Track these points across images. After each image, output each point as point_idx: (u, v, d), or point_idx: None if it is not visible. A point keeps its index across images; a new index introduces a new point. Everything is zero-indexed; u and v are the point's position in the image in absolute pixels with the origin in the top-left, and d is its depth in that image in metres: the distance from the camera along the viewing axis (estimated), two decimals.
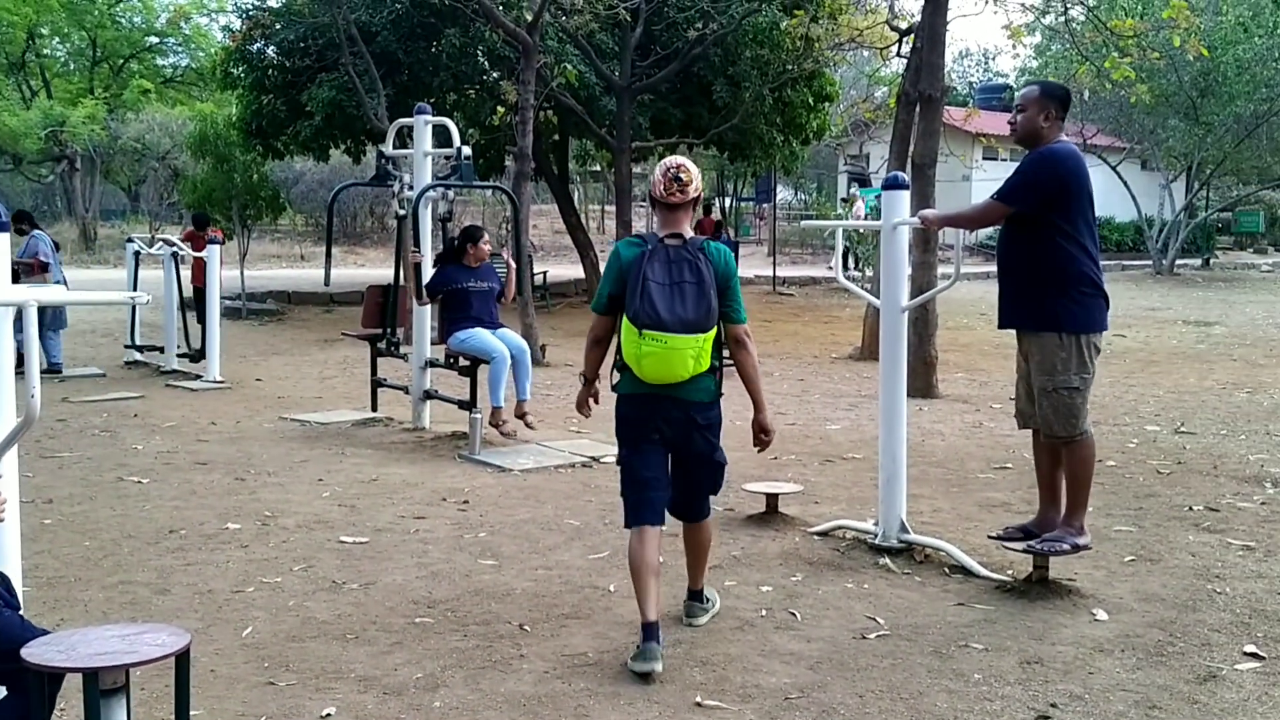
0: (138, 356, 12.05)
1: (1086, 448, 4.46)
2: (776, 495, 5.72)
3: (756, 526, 5.53)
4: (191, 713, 2.85)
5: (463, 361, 7.60)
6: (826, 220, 23.32)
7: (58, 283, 10.44)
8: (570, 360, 12.18)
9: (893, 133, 11.96)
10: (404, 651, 3.92)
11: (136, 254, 12.18)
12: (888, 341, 5.10)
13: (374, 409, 8.79)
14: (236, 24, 19.42)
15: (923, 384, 9.71)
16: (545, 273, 19.42)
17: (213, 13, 35.14)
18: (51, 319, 10.95)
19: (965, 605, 4.40)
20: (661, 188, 3.94)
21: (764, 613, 4.31)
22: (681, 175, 3.93)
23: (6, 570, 3.10)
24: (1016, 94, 4.63)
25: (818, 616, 4.28)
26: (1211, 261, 29.01)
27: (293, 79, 17.05)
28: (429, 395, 8.25)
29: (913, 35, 11.96)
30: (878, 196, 13.66)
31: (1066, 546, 4.44)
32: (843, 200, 27.26)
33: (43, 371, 10.09)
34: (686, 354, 3.77)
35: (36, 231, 11.32)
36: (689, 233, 3.95)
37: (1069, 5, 12.97)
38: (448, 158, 8.20)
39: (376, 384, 8.82)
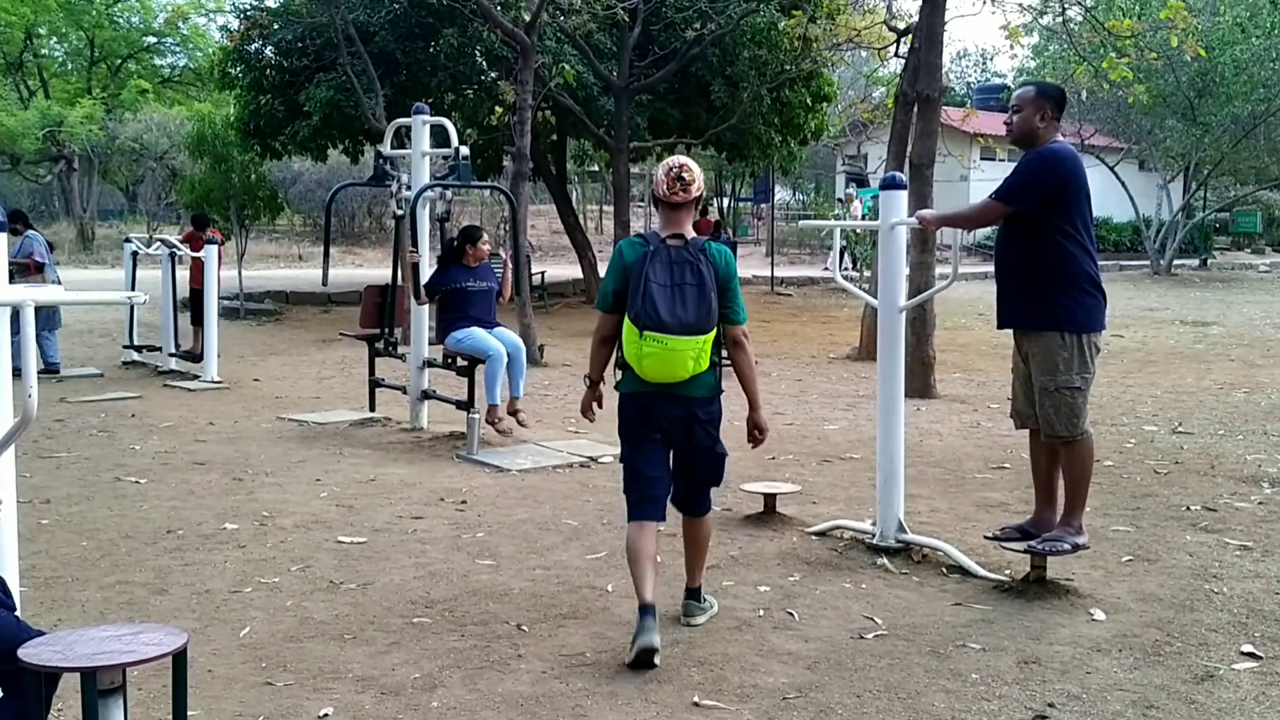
0: (136, 357, 12.04)
1: (1086, 447, 4.46)
2: (774, 495, 5.73)
3: (754, 526, 5.53)
4: (189, 713, 2.85)
5: (460, 361, 7.61)
6: (824, 220, 23.32)
7: (53, 283, 10.42)
8: (568, 360, 12.18)
9: (890, 133, 11.97)
10: (401, 651, 3.91)
11: (134, 254, 12.18)
12: (885, 342, 5.11)
13: (372, 409, 8.78)
14: (234, 24, 19.43)
15: (920, 384, 9.72)
16: (543, 273, 19.42)
17: (210, 13, 35.20)
18: (46, 319, 10.93)
19: (963, 605, 4.40)
20: (664, 187, 3.98)
21: (762, 612, 4.32)
22: (684, 174, 3.97)
23: (3, 571, 3.09)
24: (1012, 94, 4.64)
25: (815, 616, 4.28)
26: (1209, 262, 29.04)
27: (291, 79, 17.05)
28: (427, 395, 8.25)
29: (910, 35, 11.98)
30: (875, 197, 13.69)
31: (1066, 546, 4.45)
32: (839, 200, 27.25)
33: (40, 372, 10.10)
34: (686, 355, 3.82)
35: (31, 232, 11.29)
36: (690, 233, 3.98)
37: (1066, 5, 12.99)
38: (445, 158, 8.21)
39: (374, 384, 8.82)
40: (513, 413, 7.54)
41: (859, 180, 27.35)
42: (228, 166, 17.34)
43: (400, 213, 8.29)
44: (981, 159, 25.10)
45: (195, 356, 11.17)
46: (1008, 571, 4.75)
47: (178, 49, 37.03)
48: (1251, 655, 3.86)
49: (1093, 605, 4.35)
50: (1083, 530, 4.50)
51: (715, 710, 3.45)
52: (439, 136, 8.58)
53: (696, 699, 3.52)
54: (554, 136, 19.14)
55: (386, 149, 8.67)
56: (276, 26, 17.29)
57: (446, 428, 8.06)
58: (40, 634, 2.74)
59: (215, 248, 11.15)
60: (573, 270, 20.90)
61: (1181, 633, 4.07)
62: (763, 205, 32.18)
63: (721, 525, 5.40)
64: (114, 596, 4.49)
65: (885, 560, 4.94)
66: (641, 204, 33.49)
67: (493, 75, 16.67)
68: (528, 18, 12.99)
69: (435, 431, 8.07)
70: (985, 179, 17.24)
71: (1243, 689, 3.58)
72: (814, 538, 5.34)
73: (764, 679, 3.67)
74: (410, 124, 8.43)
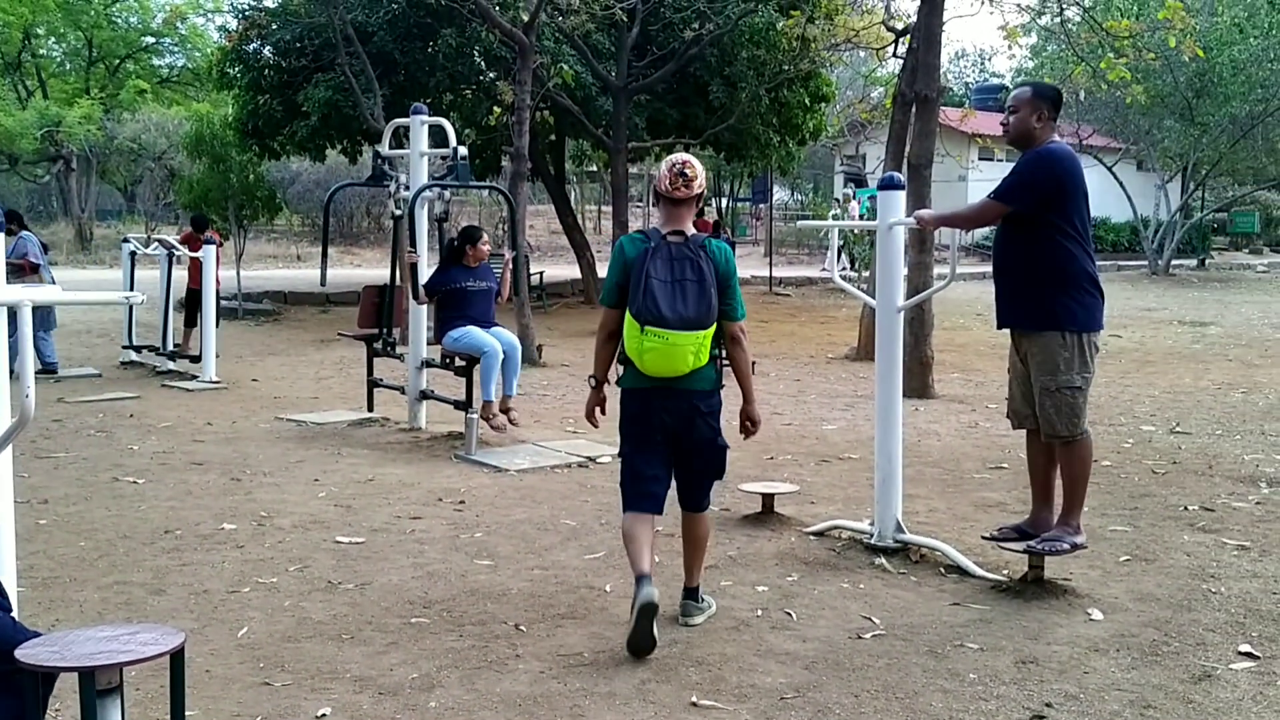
0: (134, 357, 12.04)
1: (1085, 447, 4.47)
2: (772, 495, 5.73)
3: (753, 526, 5.54)
4: (186, 713, 2.85)
5: (458, 361, 7.61)
6: (823, 220, 23.32)
7: (49, 284, 10.41)
8: (566, 361, 12.18)
9: (889, 133, 11.98)
10: (400, 652, 3.91)
11: (132, 254, 12.18)
12: (884, 342, 5.11)
13: (370, 409, 8.78)
14: (233, 24, 19.42)
15: (919, 384, 9.73)
16: (541, 273, 19.40)
17: (209, 13, 35.17)
18: (41, 320, 10.91)
19: (961, 605, 4.41)
20: (666, 183, 4.04)
21: (760, 612, 4.32)
22: (686, 171, 4.03)
23: (1, 571, 3.09)
24: (1009, 95, 4.64)
25: (813, 616, 4.28)
26: (1207, 262, 29.06)
27: (289, 79, 17.05)
28: (425, 395, 8.25)
29: (908, 36, 11.99)
30: (873, 197, 13.69)
31: (1065, 546, 4.45)
32: (836, 200, 27.26)
33: (38, 372, 10.09)
34: (687, 350, 3.89)
35: (24, 233, 11.26)
36: (691, 229, 4.03)
37: (1064, 6, 12.99)
38: (444, 158, 8.20)
39: (372, 384, 8.81)
40: (505, 411, 7.56)
41: (857, 180, 27.36)
42: (226, 166, 17.33)
43: (399, 213, 8.29)
44: (979, 159, 25.11)
45: (191, 357, 11.17)
46: (1005, 571, 4.75)
47: (176, 49, 37.04)
48: (1249, 655, 3.86)
49: (1090, 605, 4.35)
50: (1081, 530, 4.51)
51: (713, 710, 3.45)
52: (437, 136, 8.58)
53: (694, 699, 3.52)
54: (552, 137, 19.15)
55: (385, 149, 8.67)
56: (275, 26, 17.28)
57: (445, 428, 8.06)
58: (37, 635, 2.73)
59: (213, 248, 11.14)
60: (571, 270, 20.90)
61: (1179, 632, 4.08)
62: (761, 205, 32.21)
63: (720, 525, 5.41)
64: (112, 597, 4.49)
65: (883, 560, 4.94)
66: (640, 204, 33.52)
67: (491, 75, 16.67)
68: (526, 18, 12.98)
69: (433, 432, 8.07)
70: (983, 179, 17.27)
71: (1240, 689, 3.59)
72: (812, 538, 5.34)
73: (762, 679, 3.68)
74: (409, 124, 8.43)
